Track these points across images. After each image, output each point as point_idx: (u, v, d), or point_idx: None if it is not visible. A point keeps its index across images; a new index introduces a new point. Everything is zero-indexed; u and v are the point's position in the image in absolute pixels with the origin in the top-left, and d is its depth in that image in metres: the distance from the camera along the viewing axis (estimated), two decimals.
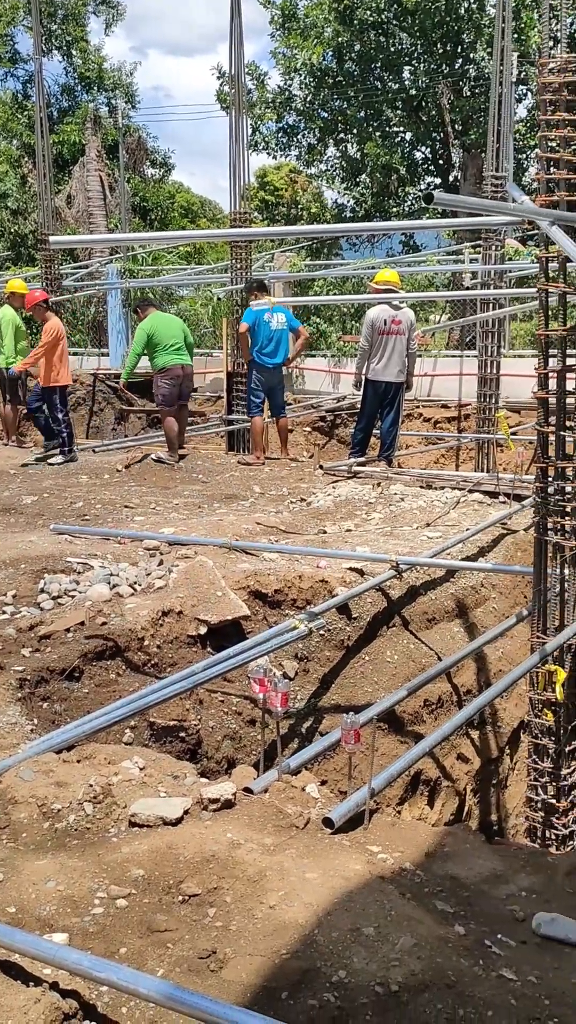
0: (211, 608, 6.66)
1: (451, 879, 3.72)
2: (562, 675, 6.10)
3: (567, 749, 6.34)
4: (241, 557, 7.73)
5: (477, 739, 7.80)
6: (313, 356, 21.21)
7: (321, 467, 12.59)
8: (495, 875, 3.80)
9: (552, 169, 5.85)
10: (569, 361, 6.10)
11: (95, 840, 3.85)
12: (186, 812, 3.96)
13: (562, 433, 6.11)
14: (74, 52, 40.59)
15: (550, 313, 6.14)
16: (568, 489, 6.13)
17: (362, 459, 12.56)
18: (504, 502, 10.24)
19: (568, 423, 6.15)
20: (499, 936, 3.36)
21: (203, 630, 6.52)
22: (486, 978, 3.06)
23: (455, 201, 4.63)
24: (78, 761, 4.55)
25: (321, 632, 6.88)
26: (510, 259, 15.72)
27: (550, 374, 6.14)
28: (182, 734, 6.01)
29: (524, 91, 27.25)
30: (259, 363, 13.12)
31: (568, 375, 6.11)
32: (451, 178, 29.98)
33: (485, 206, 5.04)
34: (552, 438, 6.17)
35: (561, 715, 6.29)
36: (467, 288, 17.50)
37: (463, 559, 8.51)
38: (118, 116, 35.57)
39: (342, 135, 31.50)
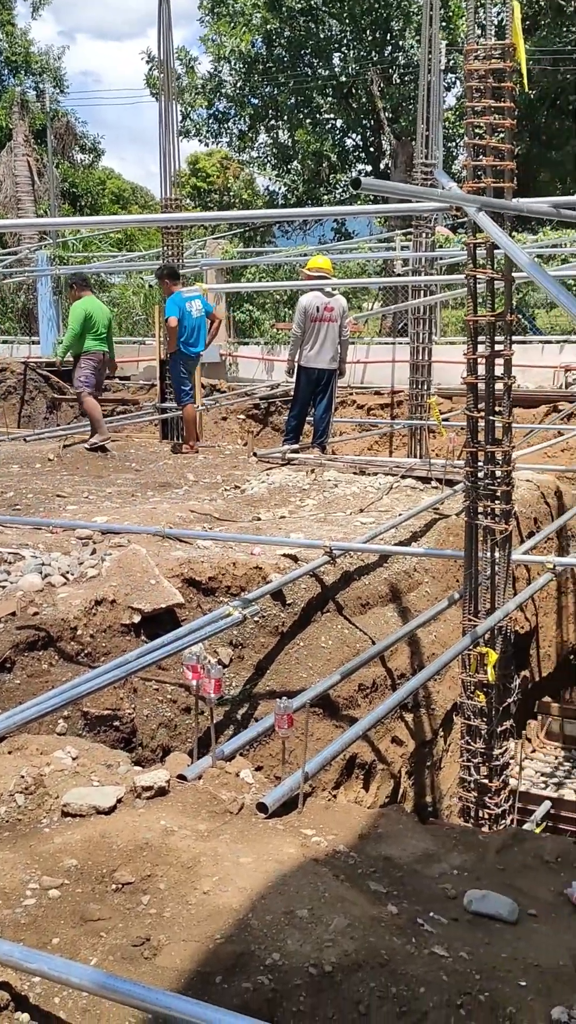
0: (145, 596, 6.62)
1: (384, 860, 3.75)
2: (493, 657, 6.18)
3: (499, 729, 6.43)
4: (175, 545, 7.69)
5: (411, 722, 7.87)
6: (246, 344, 21.17)
7: (255, 454, 12.58)
8: (428, 855, 3.84)
9: (479, 156, 5.90)
10: (497, 347, 6.17)
11: (27, 831, 3.82)
12: (119, 801, 3.94)
13: (491, 418, 6.18)
14: (0, 36, 39.88)
15: (479, 299, 6.19)
16: (498, 473, 6.20)
17: (296, 446, 12.58)
18: (436, 487, 10.33)
19: (497, 408, 6.22)
20: (431, 914, 3.39)
21: (137, 619, 6.47)
22: (419, 955, 3.10)
23: (383, 187, 4.65)
24: (9, 752, 4.51)
25: (255, 619, 6.88)
26: (440, 246, 15.83)
27: (479, 360, 6.21)
28: (116, 723, 5.97)
29: (453, 79, 27.42)
30: (185, 353, 13.07)
31: (496, 360, 6.18)
32: (382, 165, 30.07)
33: (413, 192, 5.07)
34: (481, 423, 6.24)
35: (493, 696, 6.37)
36: (398, 275, 17.60)
37: (396, 544, 8.57)
38: (46, 100, 35.04)
39: (273, 122, 31.41)
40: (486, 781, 6.46)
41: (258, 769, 5.83)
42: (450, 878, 3.69)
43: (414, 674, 8.02)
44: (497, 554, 6.31)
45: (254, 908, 3.21)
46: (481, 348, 6.20)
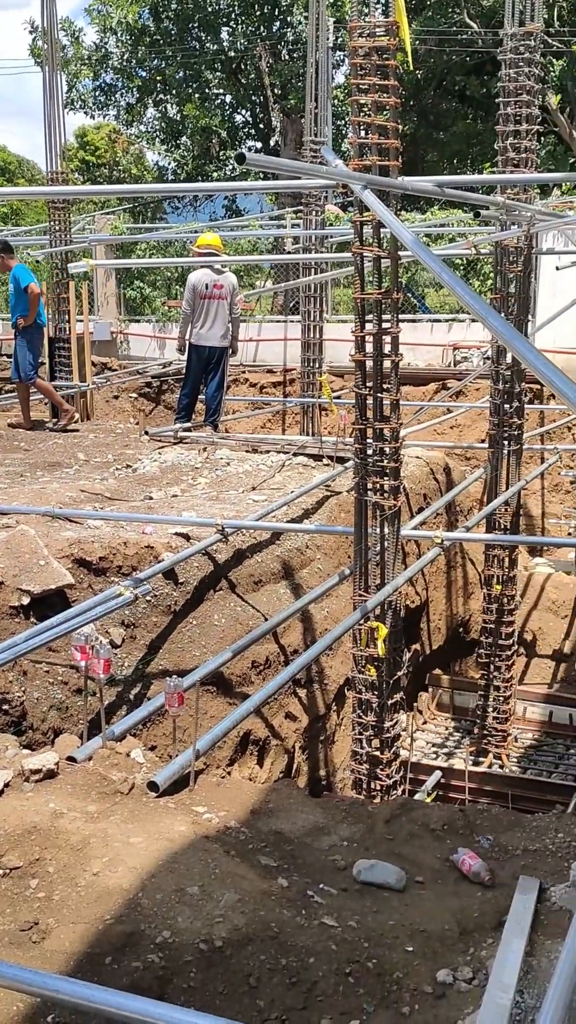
0: (34, 578, 6.51)
1: (275, 834, 3.78)
2: (383, 631, 6.27)
3: (389, 703, 6.53)
4: (65, 525, 7.58)
5: (305, 697, 7.94)
6: (137, 321, 20.91)
7: (147, 433, 12.46)
8: (318, 827, 3.89)
9: (364, 134, 5.92)
10: (384, 324, 6.23)
11: None
12: (7, 785, 3.88)
13: (379, 395, 6.25)
14: None
15: (366, 278, 6.23)
16: (386, 450, 6.27)
17: (188, 424, 12.51)
18: (328, 464, 10.40)
19: (384, 385, 6.29)
20: (321, 885, 3.44)
21: (26, 600, 6.37)
22: (308, 927, 3.13)
23: (267, 163, 4.63)
24: None
25: (147, 598, 6.84)
26: (331, 224, 15.87)
27: (366, 337, 6.26)
28: (5, 707, 5.87)
29: (342, 56, 27.44)
30: (38, 324, 12.85)
31: (383, 338, 6.24)
32: (272, 142, 29.97)
33: (298, 169, 5.06)
34: (369, 400, 6.30)
35: (383, 670, 6.47)
36: (289, 253, 17.59)
37: (288, 521, 8.61)
38: None
39: (161, 95, 30.98)
40: (377, 753, 6.56)
41: (151, 749, 5.82)
42: (340, 849, 3.74)
43: (307, 650, 8.10)
44: (386, 529, 6.39)
45: (144, 887, 3.20)
46: (369, 326, 6.25)
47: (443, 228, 15.75)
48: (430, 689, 10.49)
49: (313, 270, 13.55)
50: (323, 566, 8.68)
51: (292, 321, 17.27)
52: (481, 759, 9.37)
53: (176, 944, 2.97)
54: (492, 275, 8.93)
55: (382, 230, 6.01)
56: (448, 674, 10.73)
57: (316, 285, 13.48)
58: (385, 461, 6.26)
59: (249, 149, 29.13)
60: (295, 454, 10.77)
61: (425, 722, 10.23)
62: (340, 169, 5.41)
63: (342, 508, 9.28)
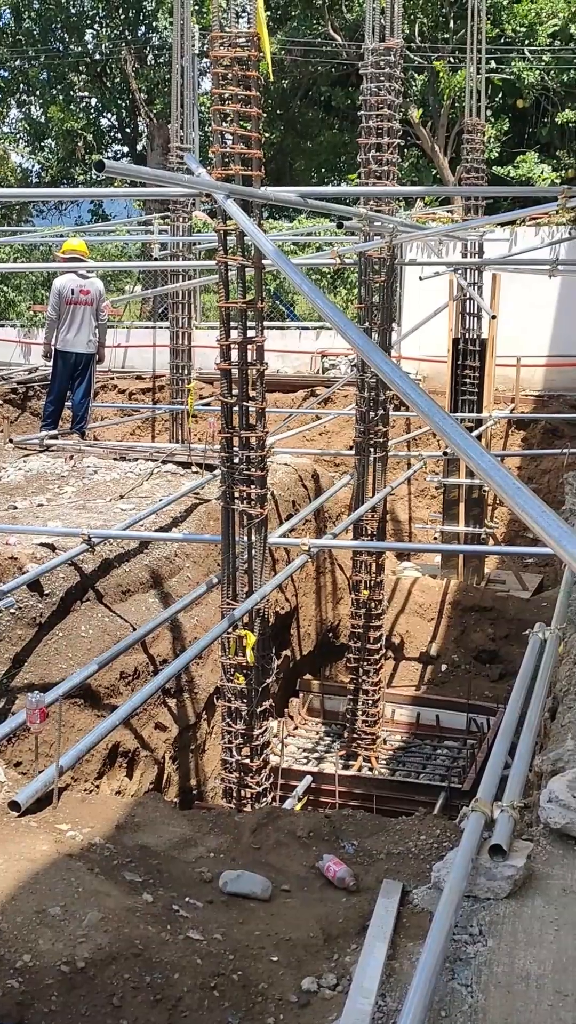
0: None
1: (141, 848, 3.75)
2: (252, 639, 6.29)
3: (259, 710, 6.55)
4: None
5: (174, 707, 7.89)
6: (2, 326, 20.47)
7: (11, 441, 12.19)
8: (184, 840, 3.87)
9: (227, 144, 5.93)
10: (249, 333, 6.25)
11: None
12: None
13: (244, 403, 6.26)
14: None
15: (230, 286, 6.24)
16: (252, 458, 6.29)
17: (54, 432, 12.29)
18: (197, 472, 10.37)
19: (250, 393, 6.30)
20: (187, 899, 3.42)
21: None
22: (173, 942, 3.11)
23: (127, 170, 4.60)
24: None
25: (11, 610, 6.69)
26: (198, 231, 15.85)
27: (232, 345, 6.27)
28: None
29: (208, 63, 27.44)
30: None
31: (248, 346, 6.26)
32: (139, 147, 29.75)
33: (160, 177, 5.03)
34: (236, 409, 6.31)
35: (252, 678, 6.48)
36: (156, 259, 17.50)
37: (156, 530, 8.55)
38: None
39: (24, 96, 30.40)
40: (247, 761, 6.57)
41: (16, 765, 5.69)
42: (206, 861, 3.73)
43: (176, 659, 8.05)
44: (254, 537, 6.41)
45: (3, 910, 3.13)
46: (234, 334, 6.26)
47: (310, 237, 15.90)
48: (300, 694, 10.55)
49: (181, 276, 13.52)
50: (192, 574, 8.65)
51: (161, 327, 17.17)
52: (351, 762, 9.47)
53: (37, 967, 2.90)
54: (357, 285, 9.06)
55: (246, 239, 6.03)
56: (318, 679, 10.82)
57: (185, 291, 13.45)
58: (251, 469, 6.28)
59: (115, 153, 28.88)
60: (164, 462, 10.71)
61: (296, 728, 10.28)
62: (203, 178, 5.41)
63: (211, 516, 9.27)
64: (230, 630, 6.19)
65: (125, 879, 3.49)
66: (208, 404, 15.06)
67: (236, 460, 6.32)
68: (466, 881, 3.22)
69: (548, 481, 16.30)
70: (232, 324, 6.23)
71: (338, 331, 3.65)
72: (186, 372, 13.60)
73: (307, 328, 19.22)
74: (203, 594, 6.73)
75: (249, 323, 6.22)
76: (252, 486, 6.31)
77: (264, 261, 6.14)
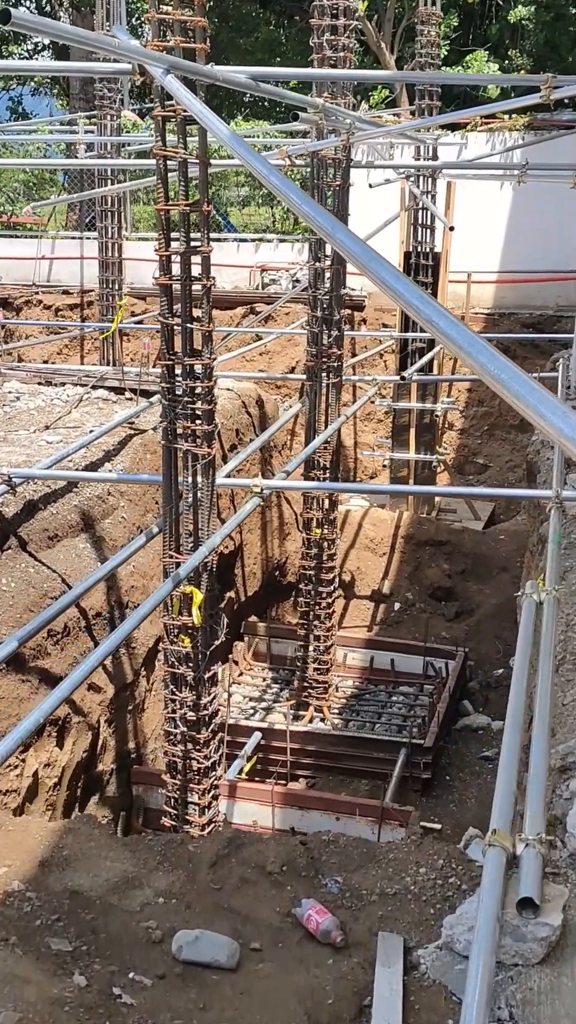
0: None
1: (72, 896, 2.97)
2: (198, 597, 5.49)
3: (206, 676, 5.78)
4: None
5: (109, 664, 7.09)
6: None
7: None
8: (126, 879, 3.10)
9: (164, 8, 4.93)
10: (194, 242, 5.33)
11: None
12: None
13: (189, 325, 5.35)
14: None
15: (171, 186, 5.29)
16: (198, 389, 5.41)
17: None
18: (131, 399, 9.43)
19: (195, 312, 5.40)
20: (132, 975, 2.66)
21: None
22: None
23: (36, 24, 3.61)
24: None
25: None
26: (127, 132, 14.58)
27: (172, 256, 5.34)
28: None
29: None
30: None
31: (193, 258, 5.33)
32: (60, 43, 27.80)
33: (79, 38, 4.05)
34: (178, 330, 5.40)
35: (199, 639, 5.70)
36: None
37: (87, 467, 7.66)
38: None
39: None
40: (194, 733, 5.82)
41: None
42: (155, 910, 2.97)
43: (111, 611, 7.24)
44: (199, 480, 5.56)
45: None
46: (175, 244, 5.33)
47: (250, 139, 14.69)
48: (246, 638, 9.82)
49: (110, 180, 12.35)
50: (128, 515, 7.79)
51: (89, 238, 15.95)
52: (302, 713, 8.80)
53: None
54: (308, 190, 8.10)
55: (189, 128, 5.08)
56: (264, 621, 10.09)
57: (114, 199, 12.28)
58: (197, 403, 5.40)
59: (34, 46, 26.85)
60: (94, 387, 9.73)
61: (241, 674, 9.57)
62: (135, 47, 4.43)
63: (148, 449, 8.38)
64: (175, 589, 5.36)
65: (51, 949, 2.71)
66: (141, 322, 14.00)
67: (179, 391, 5.43)
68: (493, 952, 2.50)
69: (499, 404, 15.58)
70: (172, 232, 5.29)
71: (317, 228, 2.80)
72: (117, 287, 12.49)
73: (245, 240, 18.09)
74: (142, 546, 5.88)
75: (192, 230, 5.29)
76: (198, 421, 5.44)
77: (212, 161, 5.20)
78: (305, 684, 8.88)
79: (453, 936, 2.70)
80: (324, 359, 8.34)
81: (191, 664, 5.73)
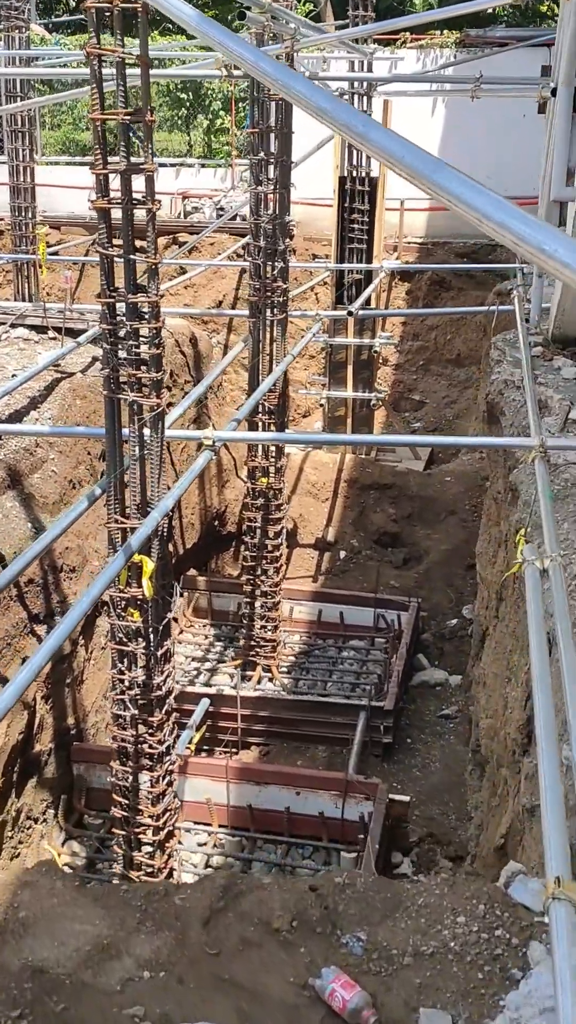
0: None
1: (35, 977, 2.39)
2: (149, 566, 4.85)
3: (160, 652, 5.17)
4: None
5: (44, 634, 6.42)
6: None
7: None
8: (101, 946, 2.52)
9: None
10: (135, 160, 4.59)
11: None
12: None
13: (132, 256, 4.63)
14: None
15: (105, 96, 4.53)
16: (144, 332, 4.71)
17: None
18: (55, 338, 8.62)
19: (138, 242, 4.68)
20: None
21: None
22: None
23: None
24: None
25: None
26: (36, 45, 13.48)
27: (110, 175, 4.60)
28: None
29: None
30: None
31: (134, 177, 4.60)
32: None
33: None
34: (120, 263, 4.68)
35: (150, 613, 5.08)
36: None
37: (9, 416, 6.91)
38: None
39: None
40: (146, 715, 5.22)
41: None
42: (139, 988, 2.41)
43: (46, 575, 6.56)
44: (147, 434, 4.89)
45: None
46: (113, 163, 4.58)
47: (164, 53, 13.60)
48: (185, 593, 9.21)
49: (19, 97, 11.31)
50: (59, 467, 7.08)
51: None
52: (249, 673, 8.27)
53: None
54: (246, 106, 7.34)
55: (130, 23, 4.32)
56: (204, 575, 9.49)
57: (24, 118, 11.26)
58: (144, 347, 4.71)
59: None
60: (12, 325, 8.90)
61: (182, 631, 8.98)
62: None
63: (77, 394, 7.64)
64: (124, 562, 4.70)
65: None
66: (56, 253, 13.05)
67: (122, 333, 4.73)
68: None
69: (435, 338, 15.04)
70: (109, 148, 4.54)
71: (328, 118, 2.16)
72: (30, 215, 11.52)
73: (165, 165, 17.07)
74: (83, 512, 5.20)
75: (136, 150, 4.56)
76: (144, 368, 4.75)
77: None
78: (252, 643, 8.34)
79: (521, 1021, 2.18)
80: (268, 293, 7.66)
81: (142, 640, 5.11)
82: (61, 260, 12.96)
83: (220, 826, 6.54)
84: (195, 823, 6.61)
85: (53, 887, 2.69)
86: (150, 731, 5.24)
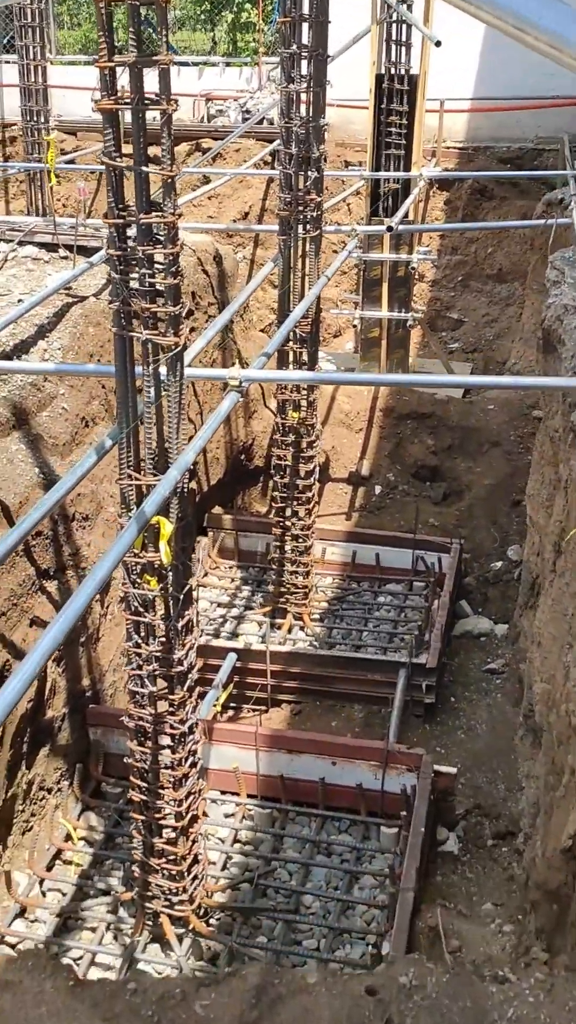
0: None
1: None
2: (167, 528, 4.23)
3: (180, 624, 4.58)
4: None
5: (55, 592, 5.86)
6: None
7: None
8: None
9: None
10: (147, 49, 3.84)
11: None
12: None
13: (144, 168, 3.91)
14: None
15: None
16: (159, 257, 4.02)
17: None
18: (67, 257, 7.89)
19: (150, 149, 3.95)
20: None
21: None
22: None
23: None
24: None
25: None
26: None
27: (116, 71, 3.85)
28: None
29: None
30: None
31: (143, 72, 3.86)
32: None
33: None
34: (129, 174, 3.96)
35: (170, 581, 4.47)
36: None
37: (17, 346, 6.25)
38: None
39: None
40: (166, 692, 4.66)
41: None
42: None
43: (55, 528, 5.97)
44: (164, 377, 4.23)
45: None
46: (120, 56, 3.84)
47: None
48: (210, 532, 8.62)
49: None
50: (70, 404, 6.44)
51: (8, 62, 13.90)
52: (279, 621, 7.70)
53: None
54: None
55: None
56: (230, 513, 8.87)
57: (35, 12, 10.35)
58: (159, 276, 4.01)
59: None
60: (20, 242, 8.15)
61: (206, 574, 8.41)
62: None
63: (90, 320, 6.96)
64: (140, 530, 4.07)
65: None
66: (72, 162, 12.20)
67: (132, 260, 4.03)
68: None
69: (475, 252, 14.11)
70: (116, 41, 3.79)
71: None
72: (43, 119, 10.67)
73: (187, 64, 16.03)
74: (94, 465, 4.56)
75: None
76: (160, 300, 4.06)
77: None
78: (282, 590, 7.76)
79: None
80: (300, 207, 6.89)
81: (160, 612, 4.52)
82: (76, 169, 12.10)
83: (249, 796, 6.03)
84: (222, 792, 6.12)
85: (41, 989, 2.12)
86: (171, 709, 4.68)
